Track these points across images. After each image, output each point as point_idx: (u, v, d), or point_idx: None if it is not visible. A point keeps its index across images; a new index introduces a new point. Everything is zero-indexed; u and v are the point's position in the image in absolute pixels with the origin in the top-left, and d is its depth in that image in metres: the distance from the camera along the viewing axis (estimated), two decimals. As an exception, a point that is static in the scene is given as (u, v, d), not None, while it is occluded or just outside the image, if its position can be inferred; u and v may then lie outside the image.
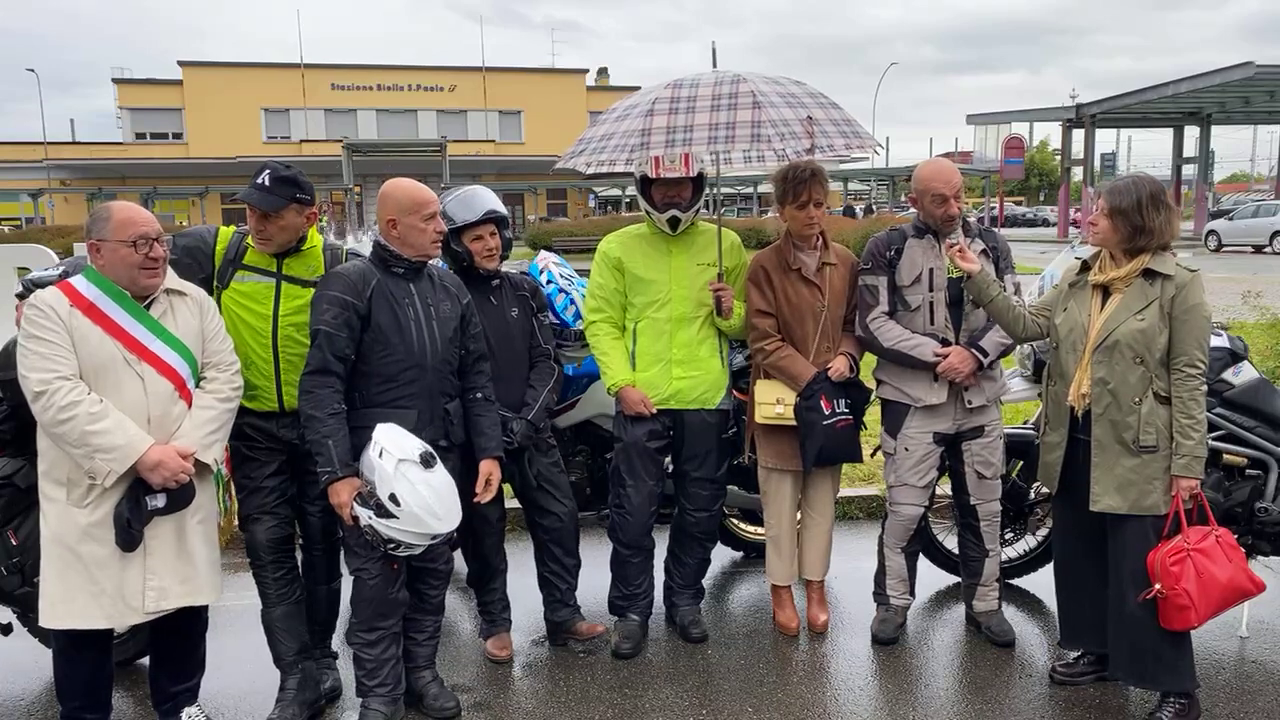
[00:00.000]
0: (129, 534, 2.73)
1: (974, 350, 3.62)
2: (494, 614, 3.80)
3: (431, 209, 3.11)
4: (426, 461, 2.90)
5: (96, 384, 2.72)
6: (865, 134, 3.78)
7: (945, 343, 3.64)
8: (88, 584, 2.75)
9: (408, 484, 2.84)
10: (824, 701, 3.41)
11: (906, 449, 3.75)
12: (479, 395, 3.32)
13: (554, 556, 3.77)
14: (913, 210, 3.83)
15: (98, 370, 2.73)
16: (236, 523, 3.30)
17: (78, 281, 2.79)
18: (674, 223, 3.70)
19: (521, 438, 3.50)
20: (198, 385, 2.92)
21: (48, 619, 2.79)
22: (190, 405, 2.88)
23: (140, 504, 2.74)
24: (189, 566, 2.88)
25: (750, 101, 3.54)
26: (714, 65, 3.82)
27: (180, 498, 2.81)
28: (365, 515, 2.88)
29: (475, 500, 3.26)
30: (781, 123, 3.52)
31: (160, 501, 2.77)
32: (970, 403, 3.68)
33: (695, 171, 3.67)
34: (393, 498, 2.83)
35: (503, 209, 3.62)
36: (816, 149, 3.58)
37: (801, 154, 3.58)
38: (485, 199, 3.60)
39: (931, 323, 3.66)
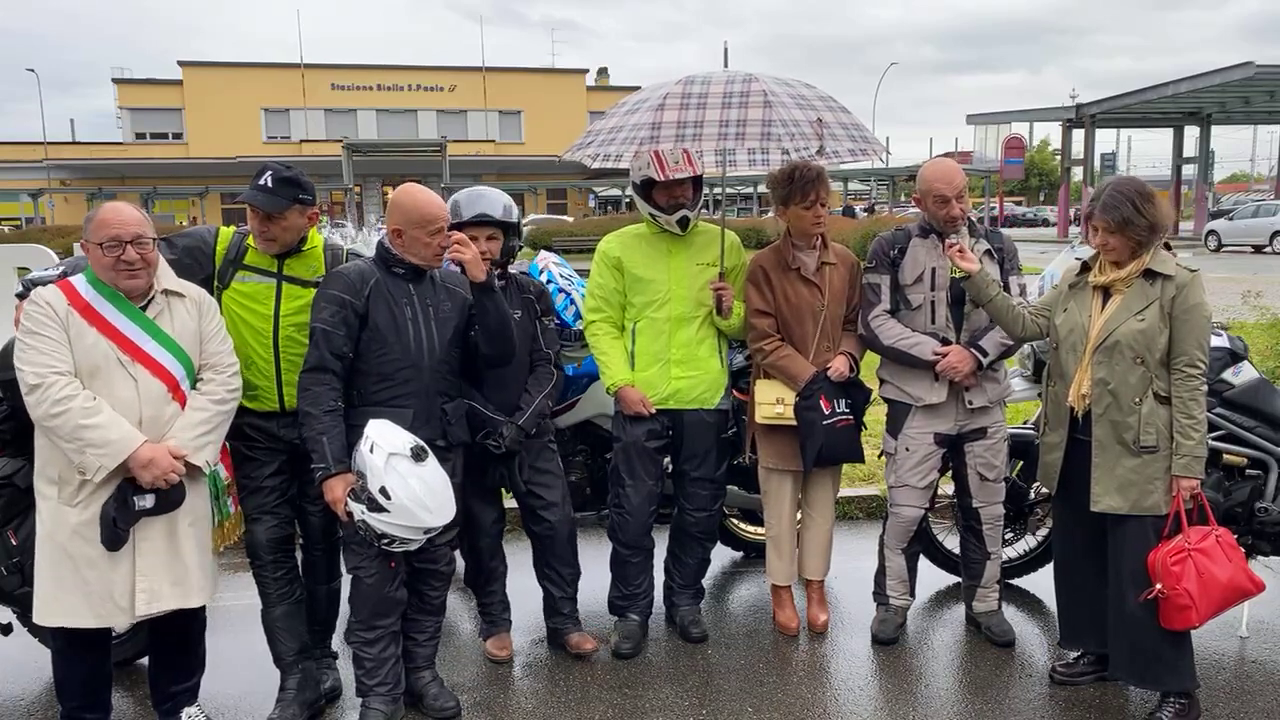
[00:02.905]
0: (115, 533, 2.72)
1: (974, 349, 3.62)
2: (494, 615, 3.80)
3: (438, 224, 3.10)
4: (418, 455, 2.91)
5: (90, 384, 2.72)
6: (873, 140, 3.79)
7: (946, 342, 3.64)
8: (78, 583, 2.75)
9: (398, 477, 2.85)
10: (824, 701, 3.41)
11: (907, 449, 3.74)
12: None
13: (548, 564, 3.76)
14: (913, 209, 3.84)
15: (92, 370, 2.73)
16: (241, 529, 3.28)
17: (77, 281, 2.81)
18: (684, 223, 3.69)
19: (510, 442, 3.45)
20: (193, 386, 2.92)
21: (40, 616, 2.79)
22: (184, 406, 2.87)
23: (128, 504, 2.73)
24: (181, 569, 2.87)
25: (761, 100, 3.55)
26: (725, 64, 3.83)
27: (170, 499, 2.80)
28: (358, 510, 2.89)
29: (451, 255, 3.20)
30: (792, 123, 3.54)
31: (148, 502, 2.75)
32: (971, 403, 3.68)
33: (700, 169, 3.66)
34: (383, 491, 2.84)
35: (498, 214, 3.52)
36: (825, 152, 3.59)
37: (810, 155, 3.59)
38: (482, 201, 3.55)
39: (933, 322, 3.66)
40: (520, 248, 3.78)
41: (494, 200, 3.57)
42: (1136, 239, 3.08)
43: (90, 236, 2.78)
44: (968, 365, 3.60)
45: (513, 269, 3.76)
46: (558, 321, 4.11)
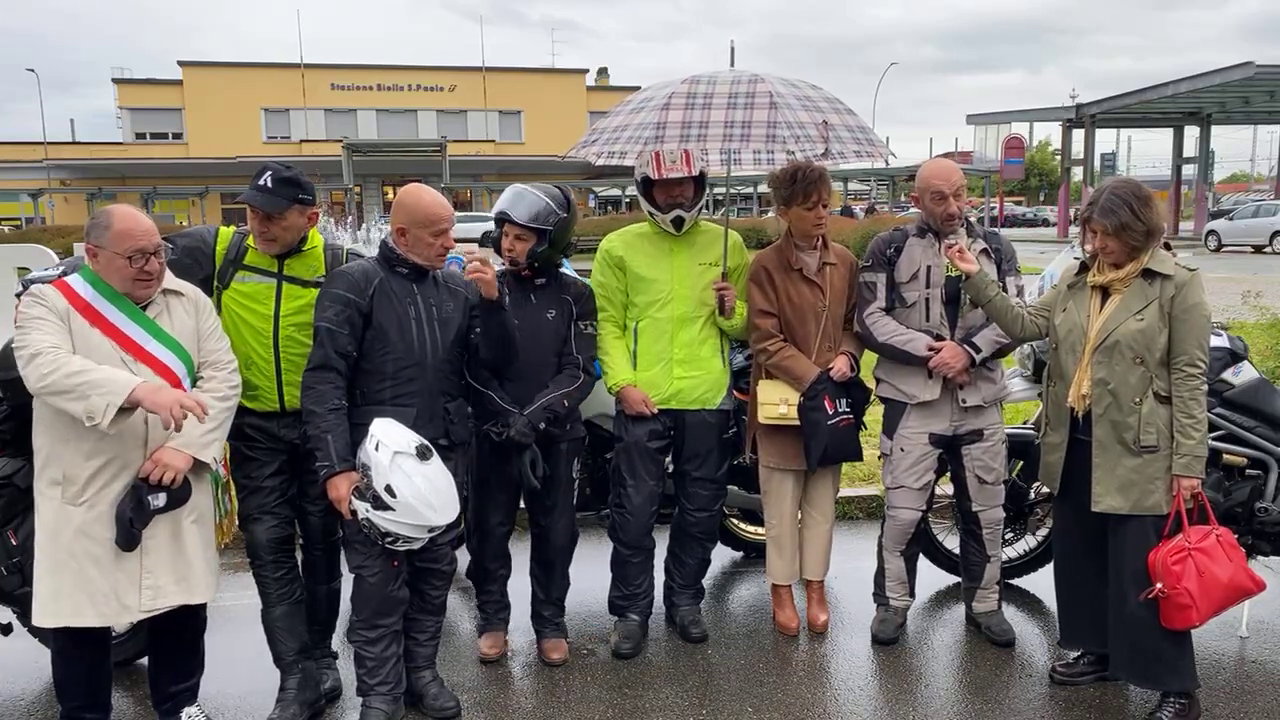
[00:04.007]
0: (130, 533, 2.74)
1: (967, 346, 3.62)
2: (488, 614, 3.81)
3: (441, 226, 3.11)
4: (423, 454, 2.92)
5: None
6: (878, 141, 3.81)
7: (940, 339, 3.64)
8: (82, 582, 2.75)
9: (403, 475, 2.86)
10: (824, 701, 3.41)
11: (902, 449, 3.75)
12: None
13: (535, 565, 3.78)
14: (914, 210, 3.85)
15: None
16: (237, 523, 3.29)
17: (74, 281, 2.80)
18: (678, 223, 3.69)
19: (516, 432, 3.40)
20: (194, 385, 2.92)
21: (41, 617, 2.79)
22: None
23: (143, 504, 2.74)
24: (185, 565, 2.88)
25: (767, 102, 3.56)
26: (731, 64, 3.83)
27: (178, 496, 2.81)
28: (362, 509, 2.90)
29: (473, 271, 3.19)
30: (797, 125, 3.54)
31: (161, 501, 2.77)
32: (965, 401, 3.68)
33: (697, 170, 3.64)
34: (389, 489, 2.85)
35: (518, 216, 3.42)
36: (830, 154, 3.59)
37: (815, 157, 3.59)
38: (517, 203, 3.47)
39: (927, 319, 3.66)
40: (567, 254, 3.65)
41: (527, 203, 3.46)
42: (1133, 243, 3.08)
43: (109, 245, 2.75)
44: (960, 361, 3.60)
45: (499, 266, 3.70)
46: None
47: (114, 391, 2.59)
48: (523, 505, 3.76)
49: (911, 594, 3.97)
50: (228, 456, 3.23)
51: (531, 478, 3.46)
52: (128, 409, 2.63)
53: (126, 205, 2.94)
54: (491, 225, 3.70)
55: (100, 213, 2.83)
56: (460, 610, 4.18)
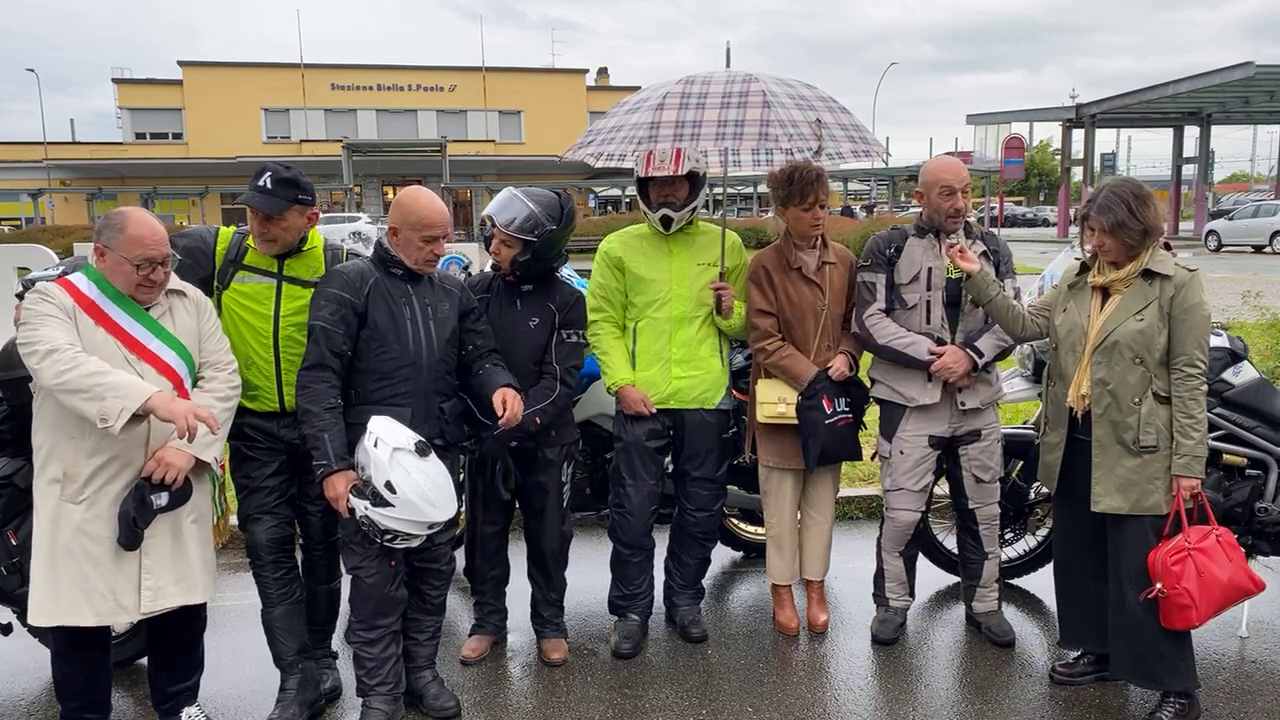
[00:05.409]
0: (134, 532, 2.74)
1: (969, 350, 3.61)
2: (481, 615, 3.83)
3: (433, 232, 3.10)
4: (421, 450, 2.93)
5: None
6: (873, 140, 3.80)
7: (940, 342, 3.64)
8: (79, 582, 2.75)
9: (403, 472, 2.87)
10: (824, 701, 3.41)
11: (902, 452, 3.74)
12: (488, 365, 3.31)
13: (531, 566, 3.78)
14: (913, 209, 3.85)
15: None
16: (234, 522, 3.30)
17: (78, 280, 2.80)
18: (666, 222, 3.68)
19: (487, 448, 3.40)
20: (195, 385, 2.92)
21: (37, 617, 2.78)
22: None
23: (146, 503, 2.74)
24: (185, 565, 2.89)
25: (760, 100, 3.57)
26: (727, 64, 3.84)
27: (180, 495, 2.82)
28: (361, 506, 2.90)
29: (500, 421, 3.16)
30: (790, 123, 3.55)
31: (164, 500, 2.78)
32: (964, 404, 3.67)
33: (685, 170, 3.61)
34: (388, 485, 2.85)
35: (501, 221, 3.40)
36: (824, 153, 3.59)
37: (809, 155, 3.59)
38: (494, 204, 3.48)
39: (927, 321, 3.65)
40: (555, 266, 3.58)
41: (514, 210, 3.42)
42: (1129, 241, 3.08)
43: (119, 249, 2.75)
44: (963, 366, 3.59)
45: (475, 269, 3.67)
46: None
47: (130, 396, 2.61)
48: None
49: (911, 594, 3.97)
50: (227, 456, 3.24)
51: (503, 489, 3.46)
52: (140, 415, 2.64)
53: (142, 211, 2.91)
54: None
55: (116, 214, 2.82)
56: (460, 610, 4.17)
